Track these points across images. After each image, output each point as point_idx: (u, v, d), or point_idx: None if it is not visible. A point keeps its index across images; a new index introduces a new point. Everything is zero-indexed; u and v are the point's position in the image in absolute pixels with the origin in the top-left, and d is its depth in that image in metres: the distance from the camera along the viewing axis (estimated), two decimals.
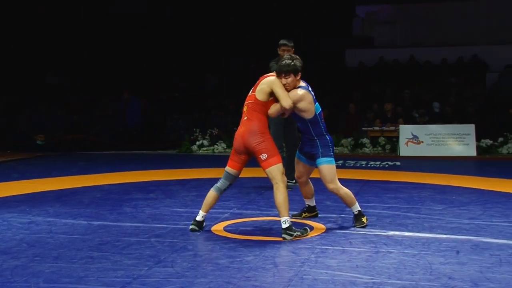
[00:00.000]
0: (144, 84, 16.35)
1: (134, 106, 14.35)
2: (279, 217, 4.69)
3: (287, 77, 4.80)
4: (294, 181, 6.92)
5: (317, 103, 4.99)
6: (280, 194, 4.66)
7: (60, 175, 8.88)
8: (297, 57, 4.95)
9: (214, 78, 17.46)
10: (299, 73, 4.87)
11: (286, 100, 4.73)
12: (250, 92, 4.93)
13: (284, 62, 4.85)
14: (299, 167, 5.30)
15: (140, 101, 14.49)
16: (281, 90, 4.77)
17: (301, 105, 4.85)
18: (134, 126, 14.30)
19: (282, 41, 7.10)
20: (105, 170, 9.57)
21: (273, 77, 4.85)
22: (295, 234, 4.62)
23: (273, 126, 6.96)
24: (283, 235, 4.62)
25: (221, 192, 5.00)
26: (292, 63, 4.82)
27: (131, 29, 17.14)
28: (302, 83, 4.96)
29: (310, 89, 4.99)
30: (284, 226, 4.62)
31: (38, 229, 5.16)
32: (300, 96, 4.83)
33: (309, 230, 4.78)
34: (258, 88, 4.84)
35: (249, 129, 4.77)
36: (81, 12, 16.57)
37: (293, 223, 4.72)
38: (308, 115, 4.91)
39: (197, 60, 17.32)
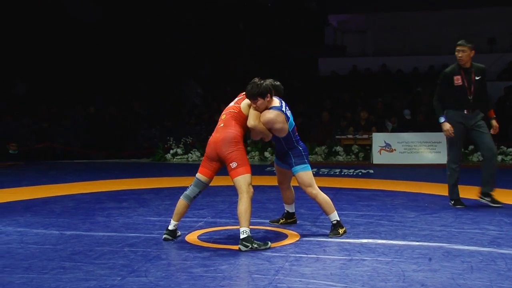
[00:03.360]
0: (116, 92, 16.23)
1: None
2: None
3: (256, 101, 4.79)
4: (493, 201, 6.49)
5: (291, 119, 4.98)
6: (242, 204, 4.60)
7: (30, 185, 8.74)
8: (264, 80, 4.86)
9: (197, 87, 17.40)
10: (268, 94, 4.82)
11: (249, 121, 4.82)
12: (232, 103, 4.98)
13: (250, 87, 4.79)
14: (280, 173, 5.32)
15: None
16: (253, 110, 4.84)
17: (274, 127, 4.86)
18: None
19: (459, 42, 6.48)
20: (76, 179, 9.47)
21: None
22: (250, 246, 4.52)
23: (456, 132, 6.50)
24: (239, 246, 4.56)
25: (191, 200, 4.95)
26: (258, 87, 4.75)
27: (94, 37, 17.00)
28: (276, 103, 4.91)
29: (284, 107, 4.93)
30: (241, 236, 4.55)
31: (8, 239, 5.06)
32: (272, 120, 4.82)
33: (269, 244, 4.66)
34: (245, 102, 4.89)
35: (224, 136, 4.76)
36: (45, 20, 16.36)
37: (253, 236, 4.64)
38: (282, 134, 4.94)
39: (178, 68, 17.31)
